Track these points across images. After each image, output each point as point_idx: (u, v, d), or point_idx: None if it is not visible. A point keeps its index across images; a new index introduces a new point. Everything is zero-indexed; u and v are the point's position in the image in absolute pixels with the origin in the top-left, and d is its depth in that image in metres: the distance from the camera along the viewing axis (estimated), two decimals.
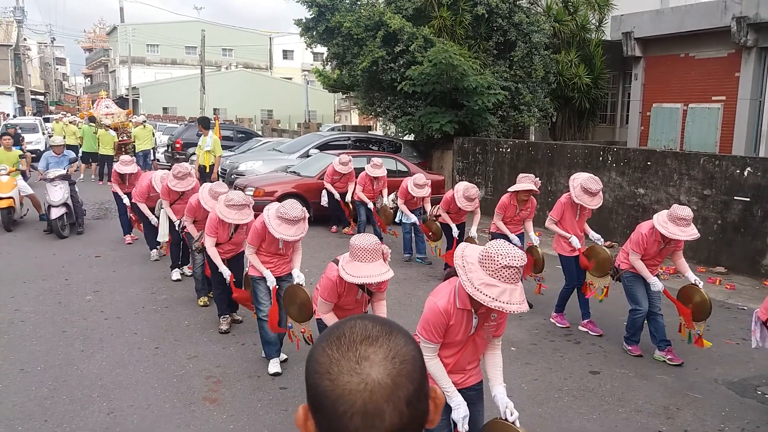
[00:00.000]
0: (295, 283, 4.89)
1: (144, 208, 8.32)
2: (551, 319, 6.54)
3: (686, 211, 5.14)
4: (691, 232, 5.15)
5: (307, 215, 4.97)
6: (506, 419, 2.90)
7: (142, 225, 9.01)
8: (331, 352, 0.93)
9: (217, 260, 5.64)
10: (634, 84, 16.35)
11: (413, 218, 8.88)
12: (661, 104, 15.50)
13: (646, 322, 5.63)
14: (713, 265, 8.85)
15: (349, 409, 0.89)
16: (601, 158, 10.74)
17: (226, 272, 5.63)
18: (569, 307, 6.50)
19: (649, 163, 9.94)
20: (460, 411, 2.95)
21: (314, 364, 0.94)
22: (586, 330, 6.26)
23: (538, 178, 7.01)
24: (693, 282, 5.40)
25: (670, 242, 5.36)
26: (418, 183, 8.78)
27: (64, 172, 10.19)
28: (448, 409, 3.06)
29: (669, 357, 5.48)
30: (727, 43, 13.49)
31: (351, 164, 10.52)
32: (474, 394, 3.17)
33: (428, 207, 8.92)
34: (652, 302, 5.54)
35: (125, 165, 9.47)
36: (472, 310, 2.95)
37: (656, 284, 5.41)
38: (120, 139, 17.14)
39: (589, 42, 17.22)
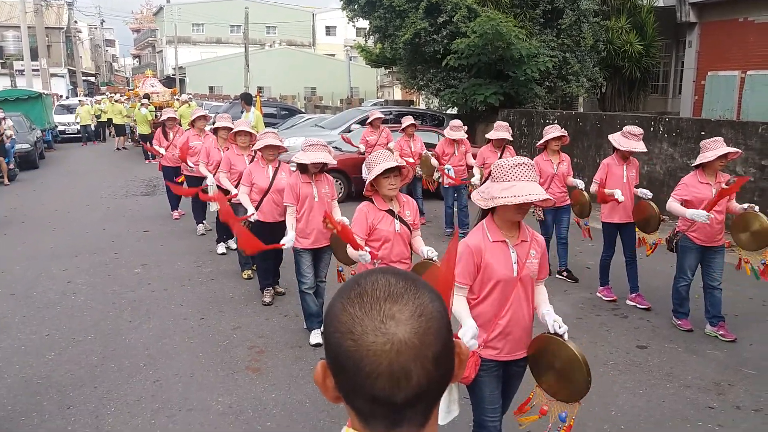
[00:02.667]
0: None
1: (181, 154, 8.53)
2: (597, 294, 6.38)
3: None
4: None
5: (331, 150, 5.16)
6: (555, 333, 2.84)
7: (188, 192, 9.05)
8: (353, 310, 0.88)
9: (247, 204, 5.88)
10: (688, 51, 15.68)
11: (448, 166, 8.52)
12: (716, 72, 14.84)
13: (702, 296, 5.43)
14: None
15: (375, 369, 0.84)
16: (652, 129, 10.35)
17: (251, 209, 5.83)
18: (617, 282, 6.32)
19: (702, 133, 9.52)
20: (468, 332, 2.76)
21: (335, 323, 0.89)
22: (633, 304, 6.08)
23: (565, 131, 6.83)
24: (747, 208, 5.12)
25: (720, 185, 5.12)
26: (455, 125, 8.58)
27: None
28: (492, 379, 3.00)
29: (721, 332, 5.26)
30: None
31: (377, 114, 10.27)
32: (520, 371, 3.11)
33: (471, 161, 8.61)
34: (712, 275, 5.28)
35: (167, 114, 10.10)
36: (507, 242, 2.90)
37: (698, 214, 4.94)
38: (155, 118, 17.19)
39: (640, 8, 16.56)
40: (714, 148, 5.08)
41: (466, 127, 9.01)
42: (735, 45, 14.38)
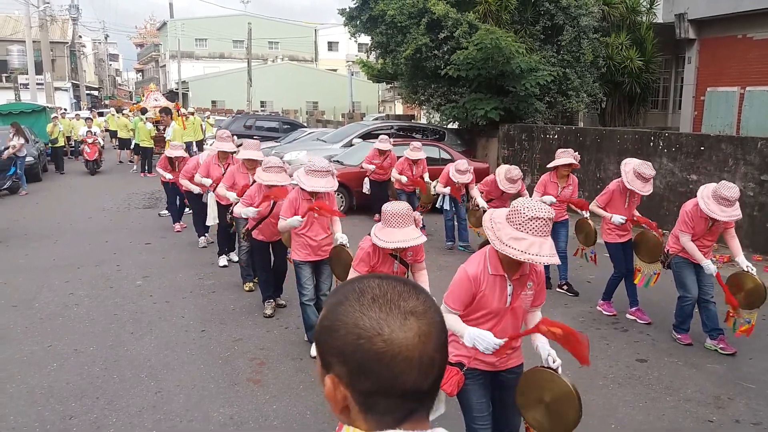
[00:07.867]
0: (338, 243, 4.95)
1: (187, 183, 8.39)
2: (598, 307, 6.39)
3: (732, 191, 4.90)
4: (732, 213, 4.93)
5: (335, 171, 5.13)
6: (549, 367, 2.83)
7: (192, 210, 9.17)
8: (374, 313, 0.92)
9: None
10: (687, 67, 15.77)
11: (446, 191, 8.73)
12: (716, 88, 14.92)
13: (696, 310, 5.45)
14: None
15: (409, 365, 0.91)
16: (651, 144, 10.42)
17: (252, 210, 5.70)
18: (617, 295, 6.34)
19: (702, 148, 9.59)
20: (486, 339, 2.78)
21: (356, 330, 0.91)
22: (634, 318, 6.10)
23: (577, 153, 6.82)
24: (745, 269, 5.17)
25: (717, 221, 5.15)
26: (460, 169, 8.64)
27: None
28: (478, 387, 3.02)
29: (721, 346, 5.28)
30: None
31: (389, 142, 10.41)
32: (513, 378, 3.09)
33: (474, 193, 8.76)
34: (704, 290, 5.34)
35: (174, 149, 9.89)
36: (506, 276, 2.90)
37: (709, 267, 5.18)
38: (158, 131, 17.18)
39: (639, 25, 16.70)
40: (721, 212, 4.99)
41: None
42: (734, 61, 14.47)
